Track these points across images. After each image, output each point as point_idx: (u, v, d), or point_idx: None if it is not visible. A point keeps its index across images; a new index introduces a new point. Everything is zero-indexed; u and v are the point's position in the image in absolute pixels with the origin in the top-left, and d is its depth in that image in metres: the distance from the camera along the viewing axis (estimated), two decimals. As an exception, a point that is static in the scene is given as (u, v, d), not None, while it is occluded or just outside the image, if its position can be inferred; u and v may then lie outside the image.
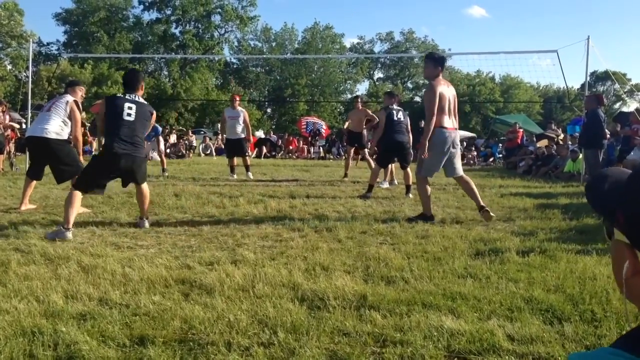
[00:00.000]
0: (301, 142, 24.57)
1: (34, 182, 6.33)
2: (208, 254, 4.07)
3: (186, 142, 21.70)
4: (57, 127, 5.97)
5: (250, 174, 10.87)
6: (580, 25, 78.59)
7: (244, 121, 10.82)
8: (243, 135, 10.85)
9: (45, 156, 6.11)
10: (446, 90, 5.82)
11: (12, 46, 41.05)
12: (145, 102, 5.29)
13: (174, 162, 15.94)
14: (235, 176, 10.81)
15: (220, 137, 11.13)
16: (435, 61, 5.85)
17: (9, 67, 40.73)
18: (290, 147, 23.74)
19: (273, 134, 27.49)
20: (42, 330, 2.45)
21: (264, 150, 22.20)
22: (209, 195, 7.43)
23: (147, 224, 5.24)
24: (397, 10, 79.44)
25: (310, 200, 7.26)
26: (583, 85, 13.74)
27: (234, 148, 10.94)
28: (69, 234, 4.62)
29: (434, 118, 5.65)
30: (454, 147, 5.86)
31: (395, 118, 8.46)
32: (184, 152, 20.18)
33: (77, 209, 4.92)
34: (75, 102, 6.13)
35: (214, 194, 7.69)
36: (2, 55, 41.75)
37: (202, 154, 22.01)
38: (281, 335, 2.45)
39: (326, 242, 4.60)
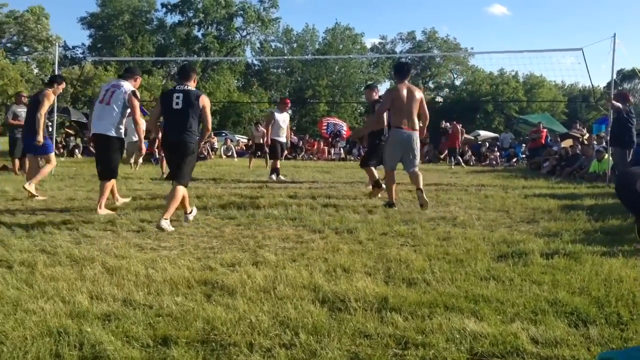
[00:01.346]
0: (322, 143, 24.57)
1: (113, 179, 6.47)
2: (230, 255, 4.10)
3: (208, 144, 21.87)
4: (117, 123, 6.22)
5: (273, 176, 11.05)
6: (605, 23, 77.32)
7: (287, 125, 11.39)
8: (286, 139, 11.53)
9: (102, 152, 6.36)
10: (404, 94, 6.59)
11: (39, 50, 41.93)
12: (193, 89, 5.56)
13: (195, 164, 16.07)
14: (275, 177, 10.99)
15: (266, 137, 11.44)
16: (395, 69, 7.12)
17: (35, 70, 41.60)
18: (311, 148, 23.75)
19: (294, 135, 27.51)
20: (68, 331, 2.50)
21: (285, 151, 22.26)
22: (230, 197, 7.48)
23: (164, 224, 5.06)
24: (418, 10, 79.37)
25: (330, 201, 7.25)
26: (609, 84, 13.47)
27: (281, 150, 11.35)
28: (191, 217, 5.67)
29: (381, 117, 6.83)
30: (411, 144, 6.67)
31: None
32: (205, 153, 20.37)
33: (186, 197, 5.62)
34: (133, 92, 6.27)
35: (235, 195, 7.74)
36: (29, 59, 42.67)
37: (224, 156, 22.19)
38: (302, 337, 2.46)
39: (347, 243, 4.59)
